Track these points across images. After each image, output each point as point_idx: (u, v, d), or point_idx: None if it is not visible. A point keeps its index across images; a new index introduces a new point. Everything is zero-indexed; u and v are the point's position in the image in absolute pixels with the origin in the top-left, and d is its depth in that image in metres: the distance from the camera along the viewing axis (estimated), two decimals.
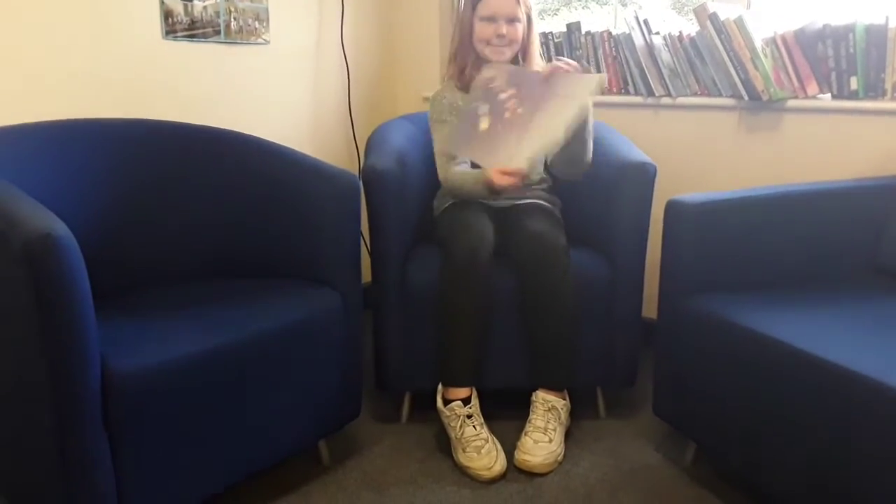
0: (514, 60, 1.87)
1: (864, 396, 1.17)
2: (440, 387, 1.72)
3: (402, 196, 1.73)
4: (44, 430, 1.15)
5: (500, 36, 1.79)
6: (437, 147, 1.85)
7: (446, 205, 1.88)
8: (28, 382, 1.17)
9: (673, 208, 1.55)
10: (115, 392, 1.16)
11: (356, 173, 1.63)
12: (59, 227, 1.08)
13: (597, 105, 2.20)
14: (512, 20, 1.79)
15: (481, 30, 1.80)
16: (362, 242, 1.66)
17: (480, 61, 1.84)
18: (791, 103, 1.94)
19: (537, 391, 1.71)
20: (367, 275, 1.71)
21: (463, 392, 1.69)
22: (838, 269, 1.65)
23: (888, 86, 1.81)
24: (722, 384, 1.46)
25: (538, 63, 1.89)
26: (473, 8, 1.81)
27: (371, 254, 1.76)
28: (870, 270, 1.68)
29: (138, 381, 1.19)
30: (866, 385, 1.16)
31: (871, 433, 1.17)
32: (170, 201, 1.67)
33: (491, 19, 1.79)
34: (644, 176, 1.72)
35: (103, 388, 1.15)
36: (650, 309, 1.76)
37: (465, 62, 1.87)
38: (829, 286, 1.58)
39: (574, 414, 1.79)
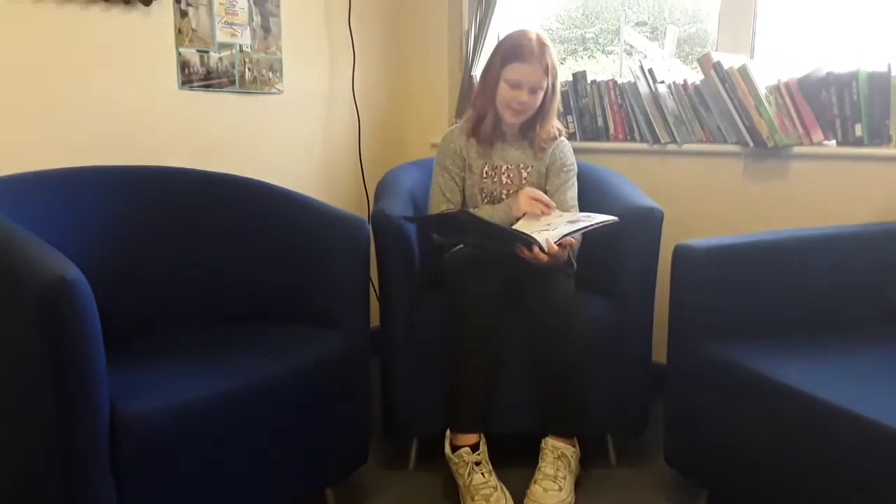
0: (531, 122, 1.87)
1: (881, 444, 1.15)
2: (448, 433, 1.70)
3: (410, 240, 1.74)
4: (51, 473, 1.14)
5: (521, 103, 1.80)
6: (434, 191, 1.87)
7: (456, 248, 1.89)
8: (37, 424, 1.16)
9: (681, 253, 1.55)
10: (123, 436, 1.16)
11: (366, 218, 1.65)
12: (73, 271, 1.09)
13: (604, 152, 2.23)
14: (535, 89, 1.79)
15: (505, 91, 1.80)
16: (371, 286, 1.66)
17: (497, 117, 1.86)
18: (796, 150, 1.96)
19: (547, 438, 1.69)
20: (375, 319, 1.71)
21: (471, 438, 1.67)
22: (847, 314, 1.64)
23: (893, 132, 1.83)
24: (734, 431, 1.44)
25: (554, 127, 1.90)
26: (502, 67, 1.80)
27: (379, 298, 1.76)
28: (879, 315, 1.67)
29: (146, 425, 1.18)
30: (883, 433, 1.15)
31: (889, 481, 1.15)
32: (181, 246, 1.69)
33: (516, 85, 1.78)
34: (651, 221, 1.73)
35: (112, 432, 1.15)
36: (659, 354, 1.75)
37: (482, 114, 1.87)
38: (838, 331, 1.57)
39: (584, 462, 1.76)
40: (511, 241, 1.64)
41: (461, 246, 1.86)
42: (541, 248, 1.60)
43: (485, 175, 1.89)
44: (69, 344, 1.08)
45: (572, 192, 1.90)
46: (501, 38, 1.87)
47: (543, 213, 1.76)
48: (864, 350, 1.48)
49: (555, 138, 1.91)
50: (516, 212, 1.78)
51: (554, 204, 1.80)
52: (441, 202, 1.85)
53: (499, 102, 1.83)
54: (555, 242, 1.60)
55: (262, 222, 1.71)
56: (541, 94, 1.82)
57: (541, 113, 1.86)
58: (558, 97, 1.90)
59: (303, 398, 1.44)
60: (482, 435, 1.68)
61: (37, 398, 1.14)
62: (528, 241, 1.61)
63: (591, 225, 1.67)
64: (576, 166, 1.94)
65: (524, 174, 1.89)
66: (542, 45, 1.78)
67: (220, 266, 1.71)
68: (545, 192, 1.89)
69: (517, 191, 1.88)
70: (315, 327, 1.58)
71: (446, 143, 1.92)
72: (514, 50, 1.78)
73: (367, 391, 1.62)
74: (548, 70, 1.79)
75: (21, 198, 1.46)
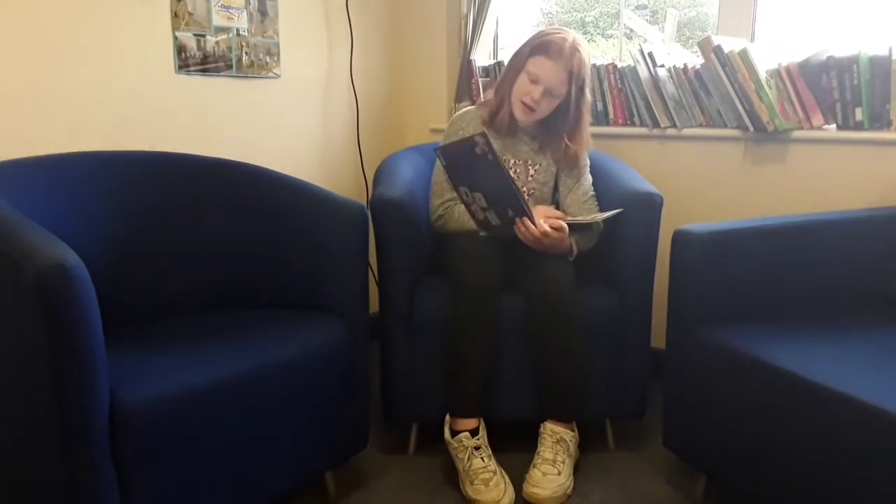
0: (551, 132, 1.84)
1: (877, 428, 1.16)
2: (448, 418, 1.71)
3: (409, 225, 1.74)
4: (52, 461, 1.15)
5: (533, 100, 1.75)
6: (438, 177, 1.86)
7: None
8: (36, 414, 1.17)
9: (680, 238, 1.55)
10: (123, 424, 1.16)
11: (365, 203, 1.65)
12: (72, 258, 1.09)
13: (604, 136, 2.22)
14: (552, 92, 1.75)
15: (521, 83, 1.76)
16: (370, 272, 1.66)
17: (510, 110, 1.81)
18: (796, 134, 1.95)
19: (546, 422, 1.70)
20: (374, 304, 1.71)
21: (471, 423, 1.68)
22: (846, 299, 1.64)
23: (893, 116, 1.82)
24: (732, 415, 1.45)
25: (586, 142, 1.85)
26: (528, 57, 1.75)
27: (379, 283, 1.76)
28: (878, 300, 1.67)
29: (146, 413, 1.19)
30: (879, 416, 1.15)
31: (886, 465, 1.15)
32: (180, 233, 1.68)
33: (534, 79, 1.74)
34: (651, 206, 1.72)
35: (111, 420, 1.15)
36: (658, 339, 1.75)
37: (499, 103, 1.83)
38: (837, 316, 1.57)
39: (583, 446, 1.77)
40: (506, 200, 1.65)
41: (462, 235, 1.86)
42: (532, 221, 1.63)
43: None
44: (68, 332, 1.08)
45: (584, 188, 1.88)
46: (539, 29, 1.81)
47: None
48: (864, 334, 1.48)
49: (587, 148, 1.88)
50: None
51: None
52: (445, 190, 1.84)
53: (513, 94, 1.79)
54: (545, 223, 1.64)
55: (261, 208, 1.70)
56: (555, 102, 1.77)
57: (566, 124, 1.81)
58: (586, 110, 1.82)
59: (302, 384, 1.44)
60: (482, 420, 1.69)
61: (36, 387, 1.14)
62: (524, 208, 1.64)
63: (594, 219, 1.72)
64: (587, 160, 1.91)
65: (531, 171, 1.88)
66: (573, 50, 1.73)
67: (218, 252, 1.70)
68: (557, 191, 1.91)
69: (522, 187, 1.87)
70: (315, 313, 1.58)
71: (455, 128, 1.89)
72: (543, 44, 1.74)
73: (367, 376, 1.62)
74: (572, 75, 1.74)
75: (18, 183, 1.45)
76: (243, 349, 1.40)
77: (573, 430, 1.71)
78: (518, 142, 1.88)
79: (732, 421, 1.45)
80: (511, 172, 1.87)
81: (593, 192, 1.88)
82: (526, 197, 1.87)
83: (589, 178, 1.90)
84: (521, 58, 1.78)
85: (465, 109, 1.95)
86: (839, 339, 1.45)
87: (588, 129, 1.87)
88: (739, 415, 1.43)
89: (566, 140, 1.83)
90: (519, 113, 1.80)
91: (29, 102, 1.63)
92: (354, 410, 1.59)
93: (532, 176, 1.88)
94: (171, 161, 1.72)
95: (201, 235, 1.70)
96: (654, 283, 1.77)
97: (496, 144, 1.86)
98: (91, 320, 1.11)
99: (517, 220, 1.67)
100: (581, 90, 1.79)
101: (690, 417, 1.57)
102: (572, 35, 1.78)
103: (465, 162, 1.65)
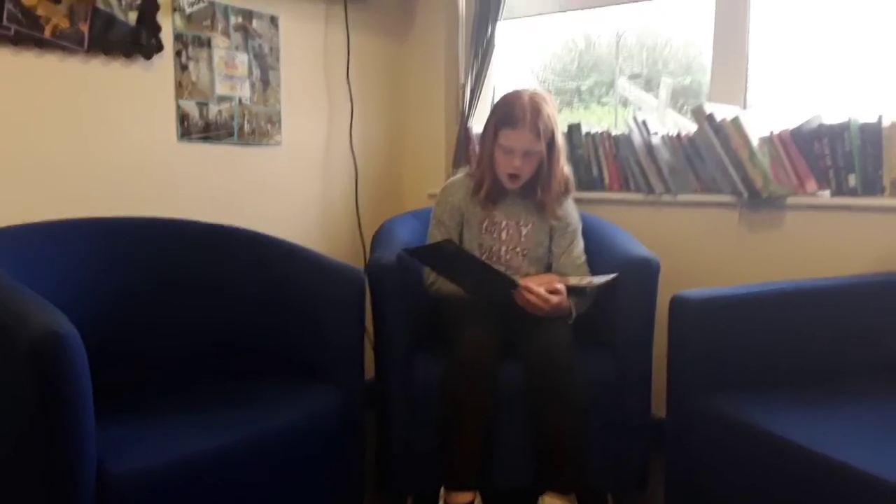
0: (531, 186, 1.87)
1: (883, 499, 1.12)
2: (442, 491, 1.66)
3: (407, 290, 1.73)
4: None
5: (515, 168, 1.80)
6: (430, 242, 1.87)
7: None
8: (24, 482, 1.14)
9: (678, 304, 1.55)
10: (109, 495, 1.13)
11: (362, 269, 1.65)
12: (65, 325, 1.08)
13: (599, 201, 2.24)
14: (528, 153, 1.80)
15: (500, 158, 1.82)
16: (366, 338, 1.65)
17: (497, 180, 1.86)
18: (791, 200, 1.97)
19: (544, 495, 1.65)
20: (370, 371, 1.69)
21: (465, 497, 1.62)
22: (844, 366, 1.62)
23: (886, 182, 1.84)
24: (736, 487, 1.41)
25: (561, 183, 1.88)
26: (495, 135, 1.81)
27: (375, 349, 1.74)
28: (876, 366, 1.65)
29: (133, 485, 1.16)
30: (885, 489, 1.12)
31: None
32: (176, 299, 1.68)
33: (508, 151, 1.80)
34: (647, 271, 1.72)
35: (98, 491, 1.12)
36: (659, 407, 1.72)
37: (481, 180, 1.88)
38: (837, 383, 1.55)
39: None
40: (492, 280, 1.67)
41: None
42: (517, 287, 1.66)
43: (484, 230, 1.89)
44: (59, 399, 1.07)
45: (578, 251, 1.90)
46: (497, 99, 1.87)
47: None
48: (865, 402, 1.46)
49: (561, 195, 1.90)
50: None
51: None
52: None
53: (498, 169, 1.84)
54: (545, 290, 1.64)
55: (258, 273, 1.70)
56: (535, 159, 1.82)
57: (540, 178, 1.86)
58: (559, 158, 1.86)
59: (295, 454, 1.41)
60: (477, 493, 1.64)
61: (25, 456, 1.12)
62: (508, 280, 1.66)
63: (590, 283, 1.71)
64: (580, 222, 1.94)
65: (523, 231, 1.89)
66: (535, 109, 1.77)
67: (214, 318, 1.69)
68: (550, 252, 1.92)
69: (515, 247, 1.88)
70: (309, 381, 1.56)
71: (445, 195, 1.92)
72: (504, 116, 1.79)
73: (362, 446, 1.59)
74: (540, 134, 1.78)
75: (15, 250, 1.46)
76: (235, 419, 1.37)
77: (573, 503, 1.66)
78: (509, 203, 1.91)
79: (737, 493, 1.41)
80: (503, 234, 1.89)
81: (585, 257, 1.89)
82: (521, 258, 1.88)
83: (581, 242, 1.92)
84: (489, 134, 1.83)
85: (453, 178, 1.99)
86: (843, 408, 1.43)
87: (561, 170, 1.88)
88: (744, 486, 1.39)
89: (539, 193, 1.87)
90: (507, 182, 1.85)
91: (31, 169, 1.65)
92: (348, 481, 1.56)
93: (525, 236, 1.89)
94: (170, 227, 1.74)
95: (197, 302, 1.69)
96: (653, 350, 1.75)
97: (488, 210, 1.89)
98: (82, 387, 1.10)
99: (516, 290, 1.67)
100: (552, 141, 1.82)
101: (693, 489, 1.53)
102: (528, 94, 1.81)
103: (439, 258, 1.70)
